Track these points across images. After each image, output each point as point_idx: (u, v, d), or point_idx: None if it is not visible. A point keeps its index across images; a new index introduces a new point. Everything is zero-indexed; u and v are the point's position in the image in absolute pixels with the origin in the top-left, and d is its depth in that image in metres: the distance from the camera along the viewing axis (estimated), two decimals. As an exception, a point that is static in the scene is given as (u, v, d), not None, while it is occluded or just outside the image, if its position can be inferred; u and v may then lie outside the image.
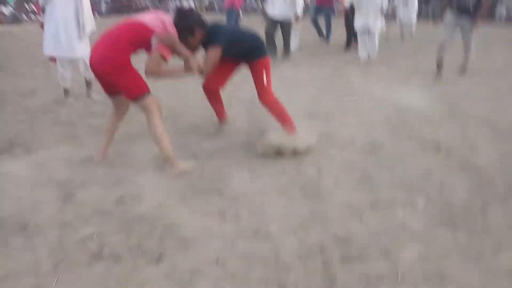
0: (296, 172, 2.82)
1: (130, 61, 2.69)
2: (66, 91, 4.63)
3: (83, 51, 4.36)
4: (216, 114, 3.60)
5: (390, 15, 10.09)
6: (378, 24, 6.87)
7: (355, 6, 6.98)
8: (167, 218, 2.26)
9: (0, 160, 3.03)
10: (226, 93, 4.94)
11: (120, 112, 3.00)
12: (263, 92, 3.25)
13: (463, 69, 5.87)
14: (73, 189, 2.57)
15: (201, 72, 2.92)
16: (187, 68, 2.80)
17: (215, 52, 2.98)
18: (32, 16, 15.72)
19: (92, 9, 4.70)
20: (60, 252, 1.98)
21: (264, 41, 3.99)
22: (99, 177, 2.73)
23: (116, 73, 2.65)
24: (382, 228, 2.14)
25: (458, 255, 1.92)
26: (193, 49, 2.94)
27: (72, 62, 4.55)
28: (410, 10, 9.47)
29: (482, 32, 10.13)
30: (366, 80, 5.71)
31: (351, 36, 8.28)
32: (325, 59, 7.32)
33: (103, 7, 19.55)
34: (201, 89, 3.44)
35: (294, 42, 7.61)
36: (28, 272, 1.85)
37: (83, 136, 3.54)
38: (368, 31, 6.85)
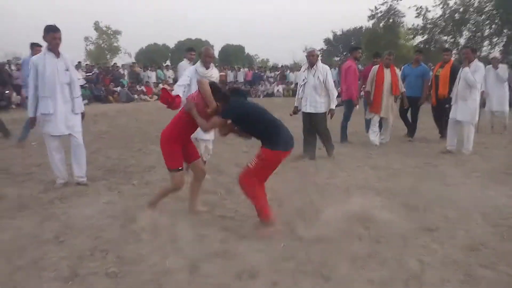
0: (398, 265, 2.95)
1: (176, 137, 3.55)
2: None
3: (209, 135, 4.88)
4: None
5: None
6: (474, 115, 6.89)
7: (453, 96, 7.02)
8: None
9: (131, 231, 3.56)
10: (321, 179, 5.24)
11: (198, 176, 3.83)
12: (243, 171, 3.44)
13: None
14: (198, 260, 2.96)
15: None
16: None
17: (219, 120, 3.44)
18: (142, 96, 17.76)
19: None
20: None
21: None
22: (219, 251, 3.11)
23: (162, 143, 3.58)
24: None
25: None
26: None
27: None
28: (501, 98, 9.19)
29: None
30: (461, 172, 5.68)
31: (442, 125, 8.32)
32: (415, 148, 7.40)
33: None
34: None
35: (385, 135, 7.80)
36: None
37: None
38: (461, 122, 6.88)
